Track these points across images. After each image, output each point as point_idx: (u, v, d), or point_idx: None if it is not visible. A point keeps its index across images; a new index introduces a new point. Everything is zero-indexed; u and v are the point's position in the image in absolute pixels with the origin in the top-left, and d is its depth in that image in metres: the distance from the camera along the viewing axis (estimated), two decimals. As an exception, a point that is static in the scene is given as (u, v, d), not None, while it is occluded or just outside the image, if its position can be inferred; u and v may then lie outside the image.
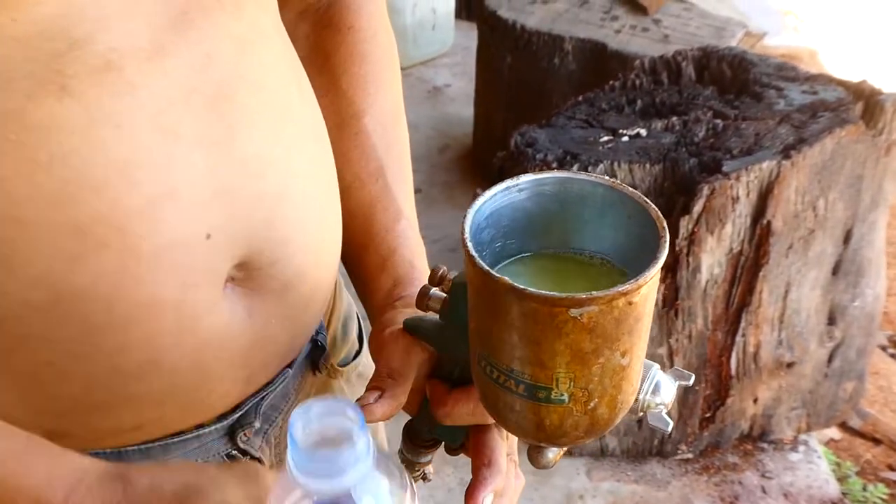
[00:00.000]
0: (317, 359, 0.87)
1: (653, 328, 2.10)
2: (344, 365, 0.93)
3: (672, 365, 2.16)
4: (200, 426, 0.76)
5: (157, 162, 0.63)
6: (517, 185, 0.55)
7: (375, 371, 0.72)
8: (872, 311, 2.23)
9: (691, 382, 0.62)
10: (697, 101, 2.16)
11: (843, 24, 4.24)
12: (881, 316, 2.87)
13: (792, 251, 2.04)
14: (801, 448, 2.34)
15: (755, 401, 2.25)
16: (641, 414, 0.60)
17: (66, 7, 0.59)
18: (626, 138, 2.06)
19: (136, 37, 0.62)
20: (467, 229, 0.52)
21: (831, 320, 2.19)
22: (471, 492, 0.68)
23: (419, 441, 0.77)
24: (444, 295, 0.68)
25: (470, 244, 0.52)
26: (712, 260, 2.02)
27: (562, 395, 0.53)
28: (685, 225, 1.96)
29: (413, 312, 0.75)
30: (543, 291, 0.49)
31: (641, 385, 0.59)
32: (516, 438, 0.75)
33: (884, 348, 2.94)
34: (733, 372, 2.17)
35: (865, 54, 2.09)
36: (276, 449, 0.84)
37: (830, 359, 2.25)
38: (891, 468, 2.55)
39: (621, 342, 0.51)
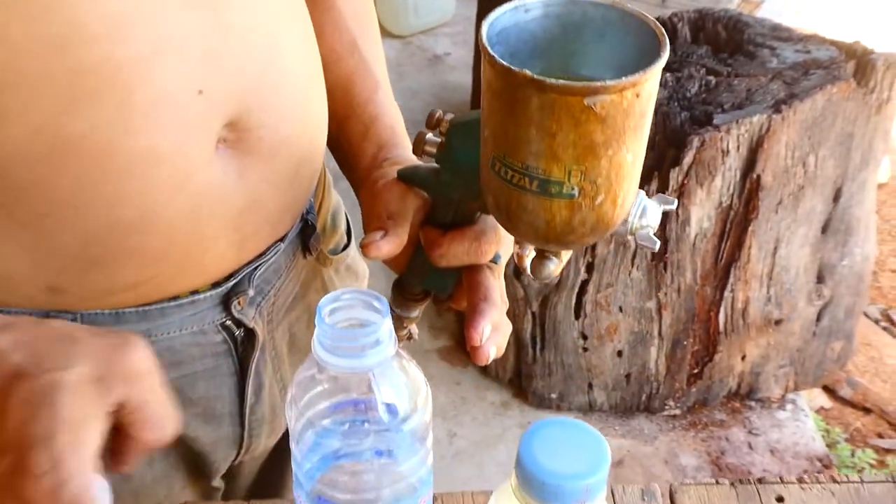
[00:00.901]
0: (307, 239, 0.89)
1: (641, 281, 2.13)
2: (334, 254, 0.95)
3: (661, 321, 2.19)
4: (195, 292, 0.78)
5: (147, 18, 0.65)
6: (524, 5, 0.58)
7: (374, 216, 0.75)
8: (861, 270, 2.26)
9: (674, 206, 0.65)
10: (691, 59, 2.18)
11: (846, 8, 4.28)
12: (875, 290, 2.92)
13: (781, 207, 2.07)
14: (789, 406, 2.37)
15: (743, 358, 2.28)
16: (631, 237, 0.63)
17: None
18: (620, 93, 2.08)
19: None
20: (484, 35, 0.55)
21: (820, 279, 2.22)
22: (471, 322, 0.71)
23: (409, 294, 0.79)
24: (441, 138, 0.70)
25: (488, 45, 0.55)
26: (702, 213, 2.05)
27: (572, 188, 0.56)
28: (675, 177, 1.99)
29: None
30: (561, 81, 0.52)
31: (630, 210, 0.62)
32: (504, 286, 0.78)
33: (876, 321, 2.98)
34: (721, 328, 2.20)
35: (869, 40, 2.13)
36: (269, 326, 0.87)
37: (819, 318, 2.28)
38: (879, 436, 2.58)
39: (627, 136, 0.54)
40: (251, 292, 0.82)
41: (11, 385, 0.57)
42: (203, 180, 0.71)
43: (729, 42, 2.24)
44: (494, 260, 0.75)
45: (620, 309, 2.18)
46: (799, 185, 2.06)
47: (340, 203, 1.00)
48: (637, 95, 0.53)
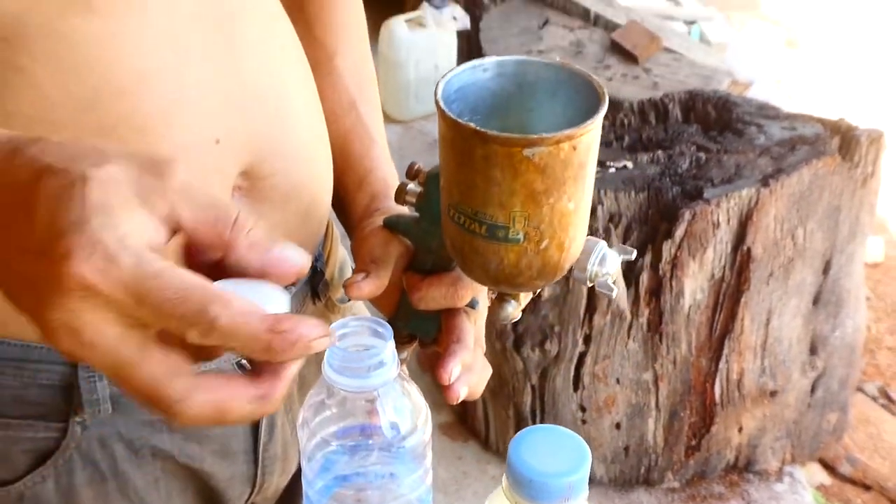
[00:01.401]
0: (316, 285, 0.95)
1: (638, 353, 2.17)
2: (342, 303, 1.01)
3: (658, 393, 2.22)
4: None
5: (170, 73, 0.73)
6: (482, 65, 0.64)
7: (359, 260, 0.80)
8: (853, 341, 2.30)
9: (633, 256, 0.70)
10: (682, 136, 2.26)
11: (834, 94, 4.37)
12: (872, 367, 2.95)
13: (773, 279, 2.12)
14: (787, 479, 2.39)
15: (740, 430, 2.30)
16: (591, 284, 0.68)
17: None
18: (612, 169, 2.16)
19: None
20: (439, 92, 0.61)
21: (813, 350, 2.26)
22: (441, 363, 0.76)
23: (396, 337, 0.84)
24: (420, 188, 0.76)
25: (441, 101, 0.60)
26: (695, 285, 2.10)
27: (518, 233, 0.61)
28: (668, 249, 2.04)
29: None
30: (502, 133, 0.58)
31: (590, 257, 0.67)
32: (483, 331, 0.83)
33: (874, 398, 3.00)
34: (718, 399, 2.23)
35: (853, 117, 2.23)
36: None
37: (813, 389, 2.31)
38: (880, 512, 2.59)
39: (567, 186, 0.60)
40: None
41: (38, 182, 0.52)
42: None
43: (718, 120, 2.32)
44: (472, 305, 0.80)
45: (618, 381, 2.22)
46: (789, 258, 2.12)
47: (347, 257, 1.07)
48: (574, 148, 0.58)
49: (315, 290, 0.95)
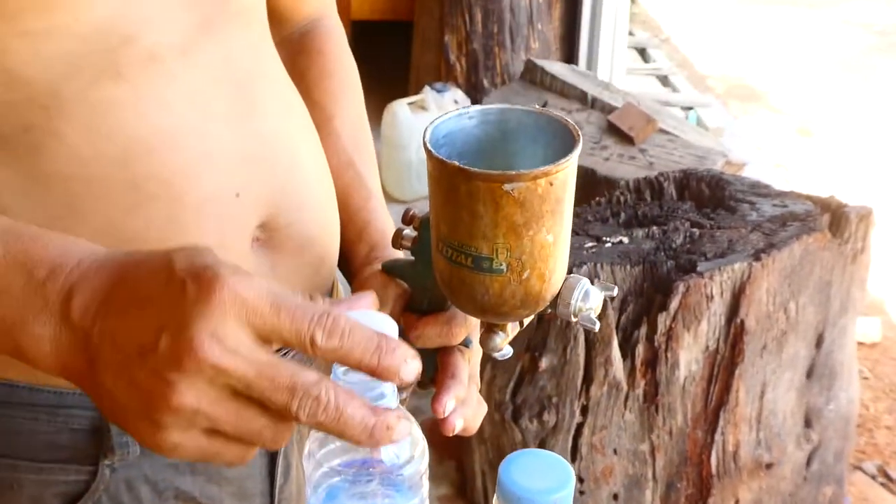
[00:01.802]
0: None
1: (634, 424, 2.20)
2: None
3: (654, 464, 2.24)
4: None
5: (194, 132, 0.80)
6: (467, 112, 0.70)
7: None
8: (847, 414, 2.32)
9: (615, 293, 0.75)
10: (676, 213, 2.32)
11: (836, 178, 4.45)
12: (871, 447, 2.97)
13: (766, 351, 2.16)
14: (784, 553, 2.39)
15: (736, 502, 2.32)
16: (575, 319, 0.73)
17: (117, 9, 0.76)
18: (609, 244, 2.22)
19: (173, 36, 0.80)
20: (428, 136, 0.67)
21: (808, 423, 2.29)
22: (436, 397, 0.81)
23: None
24: (415, 233, 0.82)
25: (429, 144, 0.66)
26: (690, 357, 2.14)
27: (501, 264, 0.66)
28: (663, 321, 2.09)
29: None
30: (483, 170, 0.63)
31: (573, 293, 0.73)
32: (478, 368, 0.87)
33: (873, 477, 3.01)
34: (714, 471, 2.25)
35: (843, 195, 2.32)
36: None
37: (809, 462, 2.33)
38: (880, 591, 2.59)
39: (545, 219, 0.65)
40: None
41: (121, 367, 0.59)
42: None
43: (712, 198, 2.38)
44: (466, 343, 0.85)
45: (615, 451, 2.24)
46: (782, 331, 2.16)
47: None
48: (550, 184, 0.64)
49: None
